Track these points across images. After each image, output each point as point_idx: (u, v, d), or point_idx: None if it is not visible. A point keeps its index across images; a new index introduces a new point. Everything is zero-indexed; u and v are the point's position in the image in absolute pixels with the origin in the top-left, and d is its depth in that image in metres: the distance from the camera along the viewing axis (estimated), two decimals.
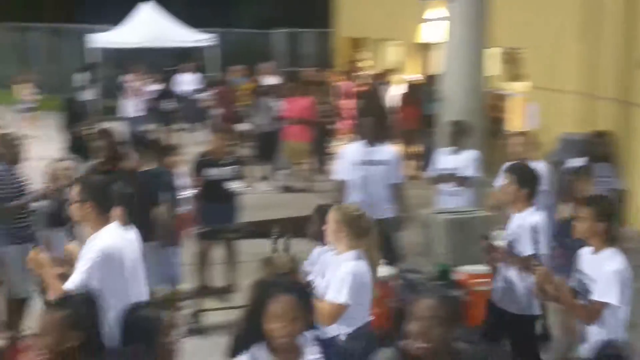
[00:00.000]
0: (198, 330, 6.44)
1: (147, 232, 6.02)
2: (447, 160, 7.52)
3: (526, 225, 4.93)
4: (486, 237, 5.01)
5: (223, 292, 7.29)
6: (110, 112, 17.53)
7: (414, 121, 12.95)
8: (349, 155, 7.25)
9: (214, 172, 7.41)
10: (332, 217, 4.37)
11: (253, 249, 6.46)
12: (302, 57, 23.60)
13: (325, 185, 11.24)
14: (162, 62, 19.37)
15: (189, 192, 7.39)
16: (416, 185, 9.74)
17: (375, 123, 7.27)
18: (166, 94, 15.68)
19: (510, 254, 4.98)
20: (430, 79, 13.14)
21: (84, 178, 4.72)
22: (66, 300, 3.16)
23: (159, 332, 3.28)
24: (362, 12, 19.59)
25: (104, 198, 4.32)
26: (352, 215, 4.36)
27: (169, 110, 15.40)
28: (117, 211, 4.53)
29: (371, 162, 7.01)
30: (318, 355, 3.20)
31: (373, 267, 4.36)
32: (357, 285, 4.18)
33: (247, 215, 7.64)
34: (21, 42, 24.51)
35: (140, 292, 4.34)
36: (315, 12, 24.57)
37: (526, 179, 5.06)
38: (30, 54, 24.10)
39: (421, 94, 13.18)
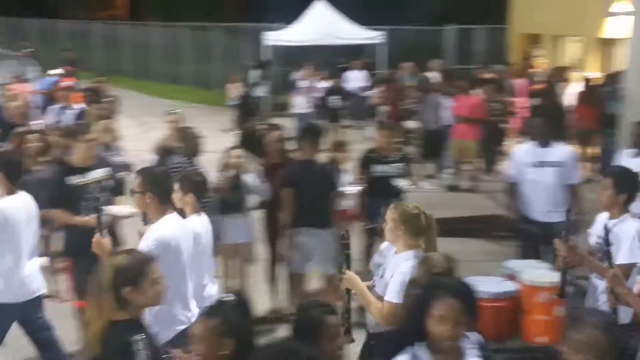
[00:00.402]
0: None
1: (319, 220, 6.20)
2: (629, 163, 7.00)
3: (626, 232, 4.58)
4: (567, 239, 4.53)
5: None
6: (281, 109, 18.07)
7: (592, 121, 12.23)
8: (519, 156, 6.97)
9: (380, 169, 7.39)
10: (389, 215, 4.31)
11: None
12: (473, 54, 23.04)
13: (492, 186, 10.90)
14: (332, 59, 19.68)
15: (354, 189, 7.43)
16: (591, 189, 9.16)
17: (547, 123, 6.93)
18: (335, 91, 15.89)
19: (595, 259, 4.60)
20: (612, 77, 12.37)
21: (144, 170, 4.85)
22: (219, 307, 3.12)
23: (325, 337, 3.27)
24: (539, 7, 18.83)
25: (163, 189, 4.49)
26: (409, 213, 4.29)
27: (337, 107, 15.59)
28: (188, 198, 4.79)
29: (542, 164, 6.68)
30: (478, 359, 3.12)
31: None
32: None
33: None
34: (202, 40, 25.92)
35: (200, 282, 4.43)
36: (488, 8, 23.91)
37: (625, 184, 4.75)
38: (210, 52, 25.45)
39: (601, 92, 12.44)
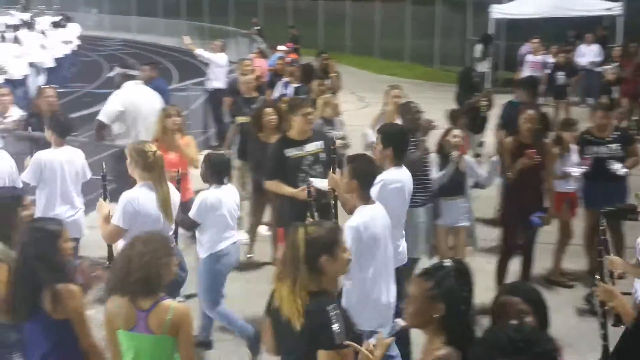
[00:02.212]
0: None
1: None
2: None
3: None
4: None
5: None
6: (504, 85, 17.32)
7: None
8: None
9: (594, 150, 7.07)
10: None
11: None
12: None
13: None
14: (561, 32, 18.48)
15: (578, 170, 7.09)
16: None
17: None
18: (561, 67, 14.85)
19: None
20: None
21: (354, 157, 4.90)
22: (436, 270, 3.06)
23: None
24: None
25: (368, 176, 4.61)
26: None
27: (564, 83, 14.58)
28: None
29: None
30: None
31: None
32: None
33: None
34: (425, 15, 25.60)
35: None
36: None
37: None
38: (432, 27, 25.08)
39: None
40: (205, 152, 6.60)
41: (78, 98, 16.71)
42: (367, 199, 4.62)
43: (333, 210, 5.33)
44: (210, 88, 12.78)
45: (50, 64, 17.50)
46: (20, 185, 6.09)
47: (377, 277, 4.58)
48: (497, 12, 19.24)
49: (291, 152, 5.92)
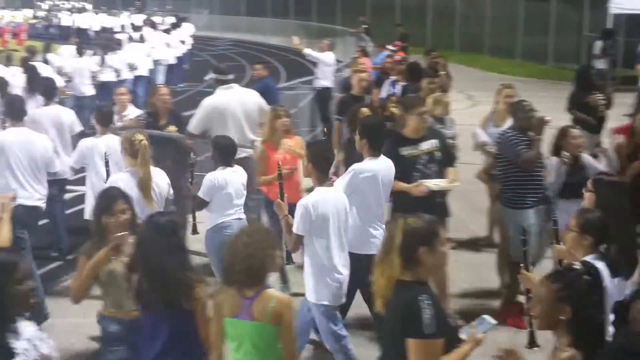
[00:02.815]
0: None
1: None
2: None
3: None
4: None
5: None
6: (624, 82, 16.51)
7: None
8: None
9: None
10: None
11: None
12: None
13: None
14: None
15: None
16: None
17: None
18: None
19: None
20: None
21: None
22: (565, 273, 3.17)
23: None
24: None
25: None
26: None
27: None
28: None
29: None
30: None
31: None
32: None
33: None
34: (538, 11, 24.80)
35: None
36: None
37: None
38: (547, 23, 24.26)
39: None
40: None
41: (190, 97, 17.19)
42: (322, 181, 5.04)
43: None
44: (318, 87, 12.85)
45: (173, 61, 18.64)
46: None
47: (329, 253, 4.94)
48: (616, 6, 18.38)
49: (406, 151, 5.90)
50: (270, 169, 6.52)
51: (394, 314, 3.32)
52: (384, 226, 5.47)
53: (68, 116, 7.97)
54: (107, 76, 14.14)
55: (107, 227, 4.31)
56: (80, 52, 14.26)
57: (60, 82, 10.81)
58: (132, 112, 8.35)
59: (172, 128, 7.41)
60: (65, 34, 31.67)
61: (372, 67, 12.49)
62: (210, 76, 7.67)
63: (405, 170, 5.80)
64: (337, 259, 5.00)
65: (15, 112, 6.68)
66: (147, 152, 5.49)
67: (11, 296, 3.07)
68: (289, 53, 24.87)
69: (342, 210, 5.05)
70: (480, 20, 27.77)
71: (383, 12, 31.92)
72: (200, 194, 6.04)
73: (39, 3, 45.84)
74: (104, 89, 13.27)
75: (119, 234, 4.24)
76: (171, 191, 5.81)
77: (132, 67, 14.96)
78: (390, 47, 15.20)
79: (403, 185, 5.73)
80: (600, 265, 3.91)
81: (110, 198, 4.42)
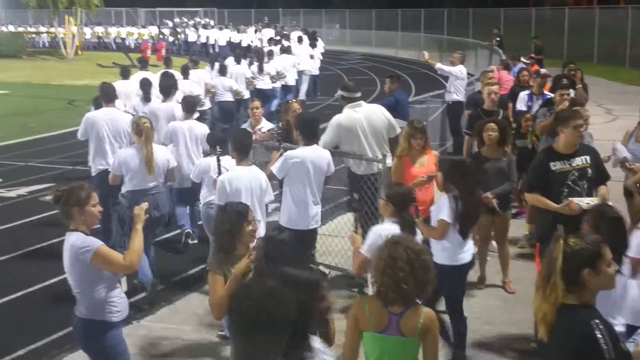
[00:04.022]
0: None
1: None
2: None
3: None
4: None
5: None
6: None
7: None
8: None
9: None
10: None
11: None
12: None
13: None
14: None
15: None
16: None
17: None
18: None
19: None
20: None
21: None
22: None
23: None
24: None
25: None
26: None
27: None
28: None
29: None
30: None
31: None
32: None
33: None
34: None
35: None
36: None
37: None
38: None
39: None
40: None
41: (320, 110, 17.48)
42: (240, 161, 6.07)
43: None
44: (449, 100, 12.71)
45: (315, 72, 20.24)
46: (269, 199, 6.45)
47: None
48: None
49: (557, 166, 5.66)
50: (405, 184, 6.53)
51: (564, 340, 3.10)
52: (317, 205, 6.58)
53: (202, 129, 8.56)
54: (263, 83, 16.10)
55: (238, 240, 4.38)
56: (238, 61, 15.84)
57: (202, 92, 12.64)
58: (266, 126, 8.59)
59: None
60: (191, 49, 33.64)
61: (507, 79, 12.25)
62: (339, 93, 7.77)
63: (555, 185, 5.60)
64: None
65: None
66: (150, 132, 6.88)
67: (314, 313, 3.14)
68: (419, 66, 24.80)
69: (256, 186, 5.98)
70: (621, 32, 26.55)
71: (517, 24, 31.23)
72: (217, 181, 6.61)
73: (166, 20, 48.59)
74: (260, 95, 14.91)
75: (253, 245, 4.35)
76: (172, 164, 7.15)
77: (280, 76, 16.66)
78: (524, 59, 14.82)
79: (552, 205, 5.52)
80: None
81: (240, 214, 4.46)
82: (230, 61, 16.09)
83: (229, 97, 13.98)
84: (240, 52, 17.65)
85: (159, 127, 8.84)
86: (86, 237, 4.26)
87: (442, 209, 5.31)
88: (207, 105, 13.26)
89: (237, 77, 14.90)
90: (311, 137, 6.57)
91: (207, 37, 35.57)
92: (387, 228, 4.77)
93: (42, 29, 46.25)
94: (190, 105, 8.69)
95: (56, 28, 39.83)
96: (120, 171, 6.97)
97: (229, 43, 32.38)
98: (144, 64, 13.05)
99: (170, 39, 39.39)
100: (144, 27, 45.45)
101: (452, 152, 11.39)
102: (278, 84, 16.68)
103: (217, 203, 5.89)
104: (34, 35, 45.79)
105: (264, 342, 2.53)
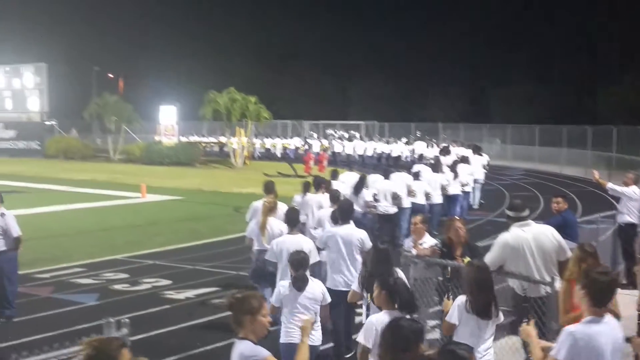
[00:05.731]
0: None
1: None
2: None
3: None
4: None
5: None
6: None
7: None
8: None
9: None
10: None
11: None
12: None
13: None
14: None
15: None
16: None
17: None
18: None
19: None
20: None
21: None
22: None
23: None
24: None
25: None
26: None
27: None
28: None
29: None
30: None
31: None
32: None
33: None
34: None
35: None
36: None
37: None
38: None
39: None
40: None
41: (480, 225, 17.17)
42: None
43: None
44: (622, 222, 12.09)
45: (482, 181, 21.77)
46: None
47: None
48: None
49: None
50: (574, 309, 6.18)
51: None
52: (351, 272, 8.04)
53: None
54: (454, 189, 17.72)
55: None
56: (437, 170, 17.45)
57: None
58: (428, 241, 8.53)
59: (466, 259, 7.42)
60: (337, 159, 38.27)
61: None
62: (506, 212, 7.63)
63: None
64: None
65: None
66: (264, 208, 9.35)
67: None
68: (585, 184, 23.89)
69: None
70: None
71: None
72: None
73: (311, 132, 52.00)
74: (451, 200, 17.39)
75: None
76: (285, 231, 8.64)
77: (464, 185, 18.59)
78: None
79: None
80: None
81: (408, 340, 4.22)
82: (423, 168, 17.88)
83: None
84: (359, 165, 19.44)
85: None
86: (255, 346, 4.36)
87: None
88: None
89: (434, 185, 16.30)
90: (340, 219, 8.63)
91: (353, 149, 40.86)
92: None
93: (213, 139, 49.83)
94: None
95: (228, 138, 42.50)
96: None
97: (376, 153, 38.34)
98: (334, 175, 14.64)
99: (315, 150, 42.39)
100: (291, 137, 49.62)
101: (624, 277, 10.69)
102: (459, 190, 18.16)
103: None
104: (206, 145, 49.21)
105: None
